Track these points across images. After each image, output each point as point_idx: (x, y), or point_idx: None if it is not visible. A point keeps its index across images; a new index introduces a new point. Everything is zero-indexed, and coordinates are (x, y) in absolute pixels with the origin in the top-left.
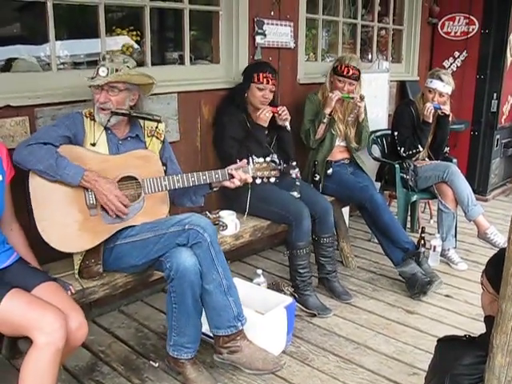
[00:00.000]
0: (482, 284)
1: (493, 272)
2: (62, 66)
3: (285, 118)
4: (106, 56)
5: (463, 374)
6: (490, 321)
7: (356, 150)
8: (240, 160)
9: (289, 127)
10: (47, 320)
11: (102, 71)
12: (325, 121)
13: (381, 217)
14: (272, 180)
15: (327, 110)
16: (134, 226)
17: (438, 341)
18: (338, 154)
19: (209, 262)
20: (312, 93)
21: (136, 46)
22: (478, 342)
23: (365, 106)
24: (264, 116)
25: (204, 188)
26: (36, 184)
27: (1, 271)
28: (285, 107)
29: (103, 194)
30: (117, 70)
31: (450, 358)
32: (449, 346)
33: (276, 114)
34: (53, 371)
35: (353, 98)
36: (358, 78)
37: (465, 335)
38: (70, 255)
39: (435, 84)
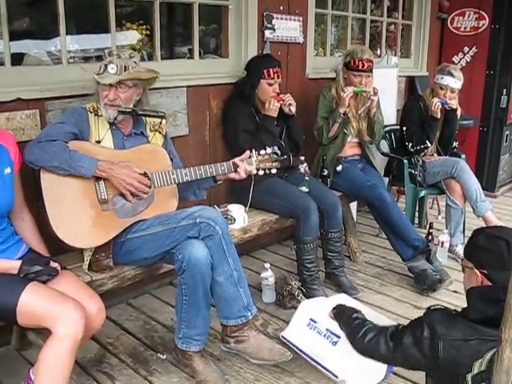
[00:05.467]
0: (462, 267)
1: (468, 248)
2: (72, 60)
3: (288, 104)
4: (112, 52)
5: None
6: (469, 292)
7: (370, 144)
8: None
9: (294, 111)
10: (69, 312)
11: (111, 68)
12: (339, 120)
13: (389, 215)
14: (274, 171)
15: (342, 110)
16: (144, 219)
17: (428, 309)
18: (349, 149)
19: (220, 254)
20: (326, 88)
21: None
22: (462, 314)
23: (378, 100)
24: (273, 107)
25: (208, 181)
26: (48, 180)
27: None
28: (288, 94)
29: (121, 179)
30: (125, 67)
31: (443, 324)
32: (440, 316)
33: (281, 102)
34: (70, 361)
35: (365, 91)
36: (372, 69)
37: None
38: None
39: (447, 80)
